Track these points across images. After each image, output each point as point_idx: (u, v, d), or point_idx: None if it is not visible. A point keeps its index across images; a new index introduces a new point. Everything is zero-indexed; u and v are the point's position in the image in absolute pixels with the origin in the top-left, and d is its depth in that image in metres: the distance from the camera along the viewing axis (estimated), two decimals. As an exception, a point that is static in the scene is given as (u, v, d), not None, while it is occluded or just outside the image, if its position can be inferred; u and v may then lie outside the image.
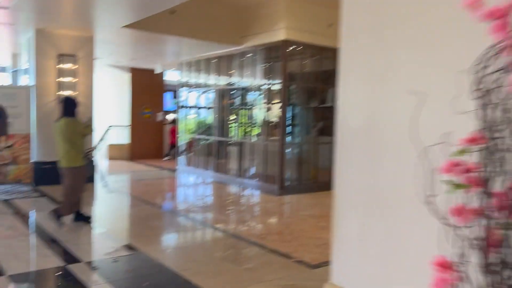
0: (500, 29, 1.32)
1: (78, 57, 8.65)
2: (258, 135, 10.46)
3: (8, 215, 6.03)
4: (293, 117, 10.31)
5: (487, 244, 1.35)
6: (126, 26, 7.77)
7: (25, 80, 9.15)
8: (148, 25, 8.03)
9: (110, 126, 13.98)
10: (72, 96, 5.92)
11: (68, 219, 5.72)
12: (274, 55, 9.00)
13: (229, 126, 10.97)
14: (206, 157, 10.89)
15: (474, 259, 1.38)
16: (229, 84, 10.34)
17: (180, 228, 5.86)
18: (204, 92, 11.37)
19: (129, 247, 4.64)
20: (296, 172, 9.04)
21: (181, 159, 11.98)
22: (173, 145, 13.69)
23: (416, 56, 2.07)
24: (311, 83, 9.73)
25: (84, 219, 5.61)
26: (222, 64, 10.31)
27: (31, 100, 8.41)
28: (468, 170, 1.39)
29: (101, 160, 11.63)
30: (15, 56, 10.79)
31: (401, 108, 2.15)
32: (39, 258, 4.30)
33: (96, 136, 7.63)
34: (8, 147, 8.34)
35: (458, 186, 1.36)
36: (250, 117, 10.56)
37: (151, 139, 14.41)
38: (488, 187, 1.37)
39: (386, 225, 2.12)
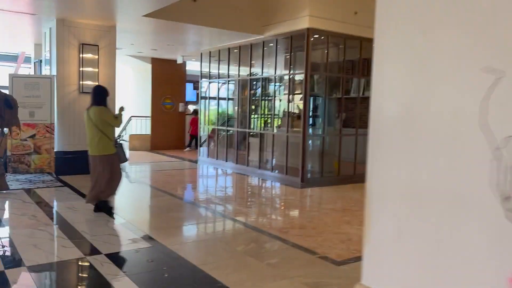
0: None
1: (99, 47, 8.61)
2: (279, 126, 10.28)
3: (31, 204, 6.04)
4: (315, 108, 10.08)
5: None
6: (147, 15, 7.67)
7: (47, 70, 9.17)
8: (169, 13, 7.92)
9: (131, 117, 14.08)
10: (103, 85, 5.87)
11: (85, 208, 5.69)
12: (297, 44, 8.78)
13: (250, 117, 10.82)
14: (227, 148, 10.78)
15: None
16: (250, 74, 10.17)
17: (200, 220, 5.77)
18: (224, 82, 11.23)
19: (149, 238, 4.56)
20: (318, 165, 8.85)
21: (202, 150, 11.91)
22: (194, 136, 13.63)
23: (465, 36, 1.85)
24: (334, 73, 9.48)
25: (106, 209, 5.58)
26: (243, 54, 10.13)
27: (53, 90, 8.43)
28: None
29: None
30: (37, 47, 10.85)
31: (446, 95, 1.93)
32: (59, 249, 4.25)
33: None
34: (31, 136, 8.39)
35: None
36: (272, 108, 10.38)
37: (172, 129, 14.39)
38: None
39: (429, 226, 1.91)
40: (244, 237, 4.79)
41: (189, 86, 16.08)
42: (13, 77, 8.45)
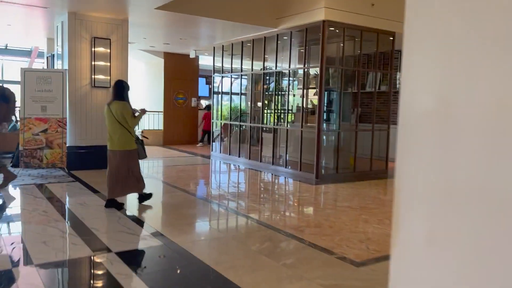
0: None
1: (112, 41, 8.50)
2: (293, 121, 10.09)
3: (43, 199, 5.97)
4: (330, 102, 9.86)
5: None
6: (160, 8, 7.53)
7: (59, 65, 9.10)
8: (181, 6, 7.77)
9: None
10: (124, 80, 5.79)
11: (96, 203, 5.60)
12: (312, 37, 8.56)
13: (264, 112, 10.65)
14: (239, 143, 10.63)
15: None
16: (263, 68, 9.98)
17: (213, 217, 5.62)
18: (237, 77, 11.06)
19: (160, 236, 4.43)
20: (333, 161, 8.64)
21: (215, 145, 11.78)
22: (207, 131, 13.51)
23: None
24: (350, 67, 9.24)
25: (117, 206, 5.49)
26: (257, 48, 9.94)
27: (65, 84, 8.35)
28: None
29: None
30: (50, 41, 10.80)
31: (490, 84, 1.68)
32: (68, 247, 4.15)
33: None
34: (43, 131, 8.33)
35: None
36: (285, 103, 10.19)
37: (185, 125, 14.28)
38: None
39: (467, 231, 1.67)
40: (258, 235, 4.63)
41: (201, 81, 15.95)
42: (25, 71, 8.39)
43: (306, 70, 8.69)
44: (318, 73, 8.24)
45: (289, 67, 9.25)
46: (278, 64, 9.67)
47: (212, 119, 11.98)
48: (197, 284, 3.34)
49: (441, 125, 2.01)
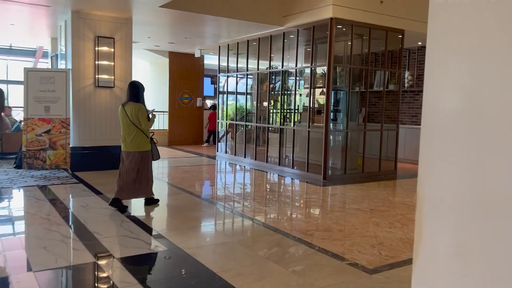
0: None
1: (115, 40, 8.38)
2: (300, 121, 9.92)
3: (45, 202, 5.85)
4: (337, 102, 9.69)
5: None
6: (164, 6, 7.38)
7: (63, 65, 8.99)
8: (186, 4, 7.63)
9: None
10: (138, 81, 5.74)
11: (99, 206, 5.47)
12: (319, 36, 8.39)
13: (269, 112, 10.49)
14: (245, 144, 10.47)
15: None
16: (269, 68, 9.81)
17: (218, 220, 5.47)
18: (243, 76, 10.90)
19: (164, 240, 4.28)
20: (341, 161, 8.47)
21: (220, 145, 11.64)
22: (213, 131, 13.37)
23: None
24: (358, 65, 9.06)
25: (121, 207, 5.36)
26: (263, 47, 9.77)
27: (69, 84, 8.24)
28: None
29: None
30: (54, 41, 10.70)
31: None
32: (69, 252, 4.01)
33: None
34: (47, 132, 8.22)
35: None
36: (292, 102, 10.02)
37: (190, 125, 14.15)
38: None
39: (499, 243, 1.50)
40: (265, 240, 4.47)
41: (206, 81, 15.81)
42: (28, 71, 8.29)
43: (313, 69, 8.51)
44: (326, 72, 8.07)
45: (296, 66, 9.08)
46: (284, 63, 9.50)
47: (218, 119, 11.83)
48: (202, 292, 3.19)
49: (471, 126, 1.81)
